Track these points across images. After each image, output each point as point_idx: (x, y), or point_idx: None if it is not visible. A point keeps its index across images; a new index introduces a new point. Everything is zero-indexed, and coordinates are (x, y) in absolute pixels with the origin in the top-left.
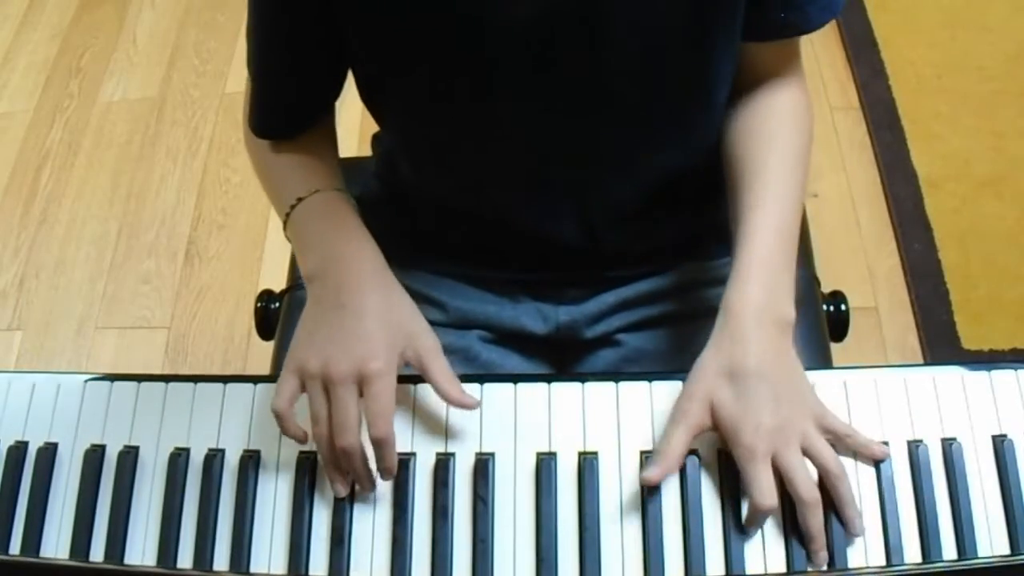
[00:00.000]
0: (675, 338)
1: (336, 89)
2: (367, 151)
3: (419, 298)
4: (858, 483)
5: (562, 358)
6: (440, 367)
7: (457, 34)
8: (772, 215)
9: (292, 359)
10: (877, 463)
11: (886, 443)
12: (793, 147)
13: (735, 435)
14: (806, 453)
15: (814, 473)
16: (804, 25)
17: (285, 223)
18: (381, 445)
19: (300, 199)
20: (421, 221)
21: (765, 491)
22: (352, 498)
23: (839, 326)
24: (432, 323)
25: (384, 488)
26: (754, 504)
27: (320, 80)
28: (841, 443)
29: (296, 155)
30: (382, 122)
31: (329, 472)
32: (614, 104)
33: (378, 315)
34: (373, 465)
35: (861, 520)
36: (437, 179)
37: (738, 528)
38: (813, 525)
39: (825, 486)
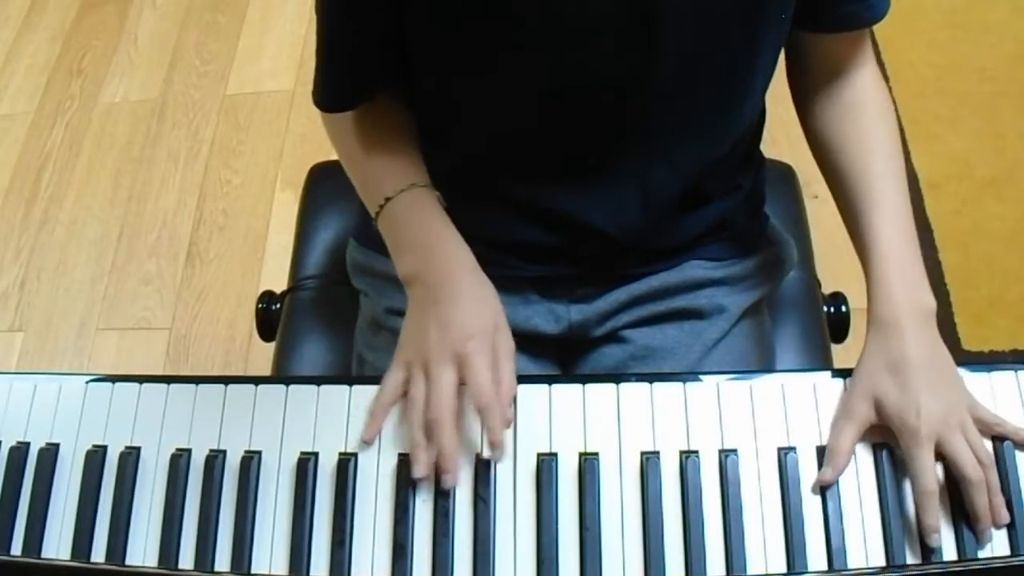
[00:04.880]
0: (682, 334)
1: (397, 64)
2: None
3: None
4: (858, 483)
5: (569, 357)
6: (509, 370)
7: (513, 14)
8: (891, 215)
9: (400, 355)
10: (881, 448)
11: (886, 444)
12: (889, 141)
13: (900, 422)
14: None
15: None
16: (870, 15)
17: (375, 220)
18: (486, 411)
19: (388, 198)
20: None
21: (930, 474)
22: (353, 498)
23: (840, 327)
24: None
25: (385, 488)
26: (919, 489)
27: (381, 46)
28: (991, 431)
29: (380, 147)
30: (433, 103)
31: (415, 452)
32: (659, 87)
33: (472, 305)
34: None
35: (1005, 512)
36: (478, 165)
37: (738, 528)
38: (980, 505)
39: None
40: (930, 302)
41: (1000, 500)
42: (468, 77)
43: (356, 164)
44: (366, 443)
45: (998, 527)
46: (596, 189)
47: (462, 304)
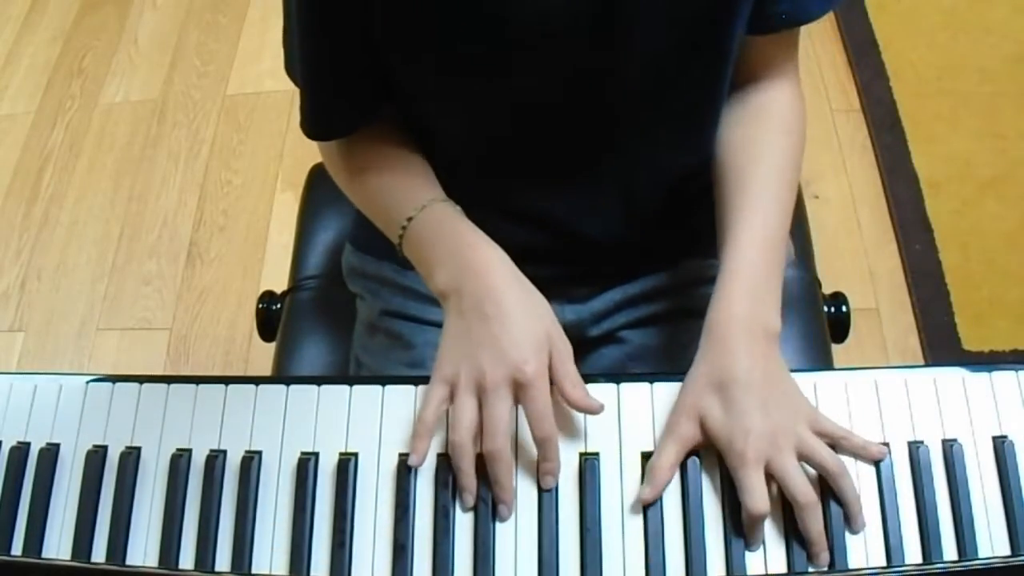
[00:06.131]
0: (679, 334)
1: (381, 86)
2: None
3: (424, 299)
4: (859, 484)
5: None
6: (570, 371)
7: (479, 24)
8: (757, 226)
9: (442, 370)
10: (876, 463)
11: (886, 444)
12: (782, 154)
13: (727, 444)
14: (801, 456)
15: (809, 477)
16: (802, 16)
17: (399, 244)
18: (545, 444)
19: (410, 219)
20: None
21: (756, 497)
22: (354, 499)
23: (840, 327)
24: (438, 325)
25: (385, 488)
26: (746, 511)
27: (365, 69)
28: (838, 446)
29: (387, 171)
30: (410, 110)
31: (463, 480)
32: (630, 91)
33: (523, 321)
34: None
35: (863, 517)
36: (460, 169)
37: (739, 529)
38: (812, 528)
39: (827, 486)
40: (773, 323)
41: (856, 509)
42: (441, 82)
43: (364, 192)
44: (413, 466)
45: (855, 533)
46: (577, 193)
47: (513, 320)
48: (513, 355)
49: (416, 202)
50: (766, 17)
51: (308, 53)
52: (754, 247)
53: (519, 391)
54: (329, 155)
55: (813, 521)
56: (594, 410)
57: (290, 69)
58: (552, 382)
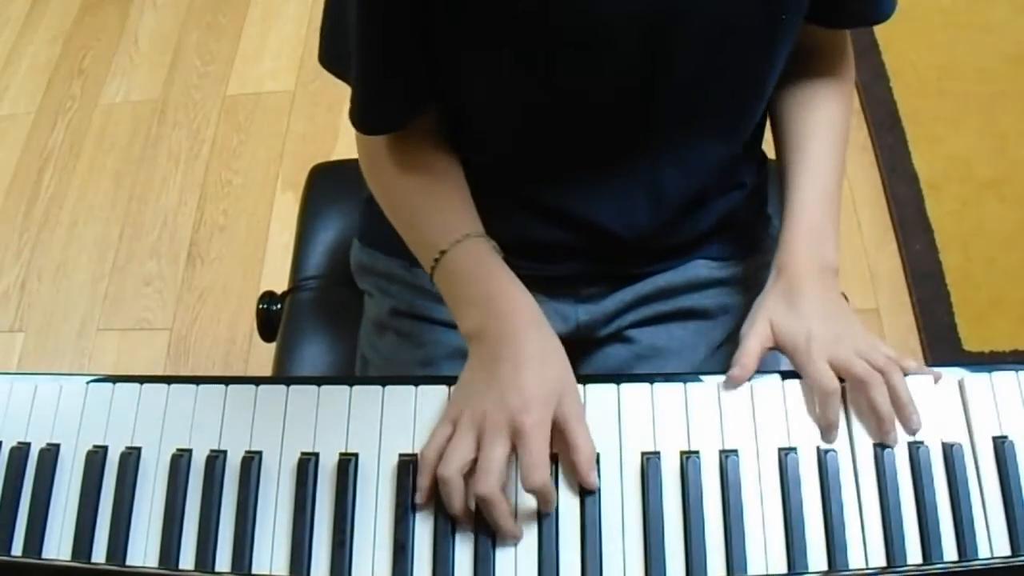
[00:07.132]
0: (688, 334)
1: (434, 78)
2: None
3: (434, 297)
4: (858, 483)
5: (574, 357)
6: (583, 434)
7: (526, 15)
8: (816, 176)
9: (450, 409)
10: (879, 448)
11: (888, 447)
12: (835, 110)
13: (792, 347)
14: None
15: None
16: (876, 15)
17: (431, 272)
18: (537, 496)
19: (443, 252)
20: None
21: (825, 377)
22: (354, 499)
23: None
24: (447, 325)
25: (385, 489)
26: (818, 393)
27: (419, 61)
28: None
29: (427, 195)
30: (447, 101)
31: (456, 515)
32: (673, 93)
33: (534, 368)
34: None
35: (918, 416)
36: (488, 163)
37: (739, 529)
38: (880, 403)
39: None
40: (832, 260)
41: (908, 406)
42: (483, 76)
43: (401, 211)
44: (419, 504)
45: (912, 433)
46: (606, 189)
47: (525, 367)
48: (515, 402)
49: (453, 234)
50: (842, 15)
51: (365, 45)
52: (814, 195)
53: (515, 439)
54: (370, 154)
55: (879, 395)
56: (589, 485)
57: (328, 60)
58: (559, 430)
